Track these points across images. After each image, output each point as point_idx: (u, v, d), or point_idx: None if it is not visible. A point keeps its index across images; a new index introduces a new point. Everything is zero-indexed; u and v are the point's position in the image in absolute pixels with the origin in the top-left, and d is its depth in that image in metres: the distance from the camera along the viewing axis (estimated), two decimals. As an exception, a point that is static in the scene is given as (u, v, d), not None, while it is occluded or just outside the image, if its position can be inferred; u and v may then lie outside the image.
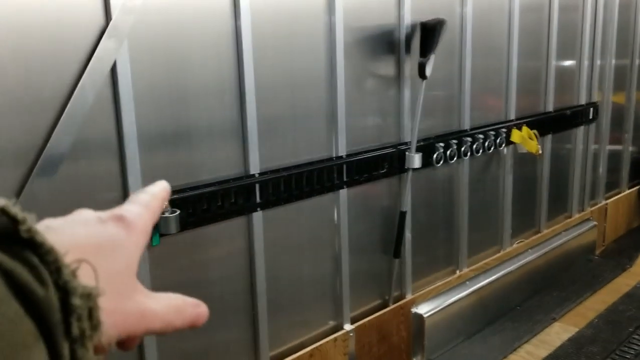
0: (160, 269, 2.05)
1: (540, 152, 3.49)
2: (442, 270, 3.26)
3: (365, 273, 2.83)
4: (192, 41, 2.02)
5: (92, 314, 0.33)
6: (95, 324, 0.34)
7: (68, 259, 0.34)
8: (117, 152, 1.84)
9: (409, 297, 3.02)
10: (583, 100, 4.04)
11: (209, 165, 2.13)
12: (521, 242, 3.73)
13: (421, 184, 3.00)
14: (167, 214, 1.93)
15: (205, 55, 2.06)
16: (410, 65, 2.76)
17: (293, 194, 2.40)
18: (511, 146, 3.47)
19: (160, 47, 1.94)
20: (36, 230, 0.33)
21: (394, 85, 2.78)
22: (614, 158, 4.62)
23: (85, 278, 0.35)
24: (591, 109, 4.10)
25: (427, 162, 2.91)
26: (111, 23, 1.74)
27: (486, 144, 3.24)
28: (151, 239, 1.99)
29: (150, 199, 0.46)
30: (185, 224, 2.04)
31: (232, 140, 2.20)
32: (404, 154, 2.81)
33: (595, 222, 4.30)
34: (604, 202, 4.49)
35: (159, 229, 1.94)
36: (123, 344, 0.40)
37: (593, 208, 4.37)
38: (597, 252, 4.37)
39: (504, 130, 3.35)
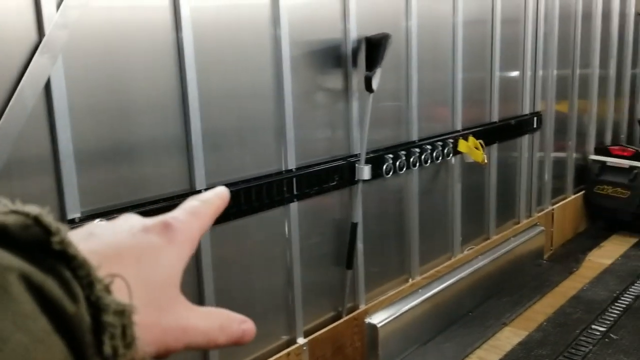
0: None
1: (485, 161, 3.57)
2: (395, 279, 3.28)
3: (318, 285, 2.83)
4: (131, 54, 1.99)
5: (125, 331, 0.31)
6: (129, 342, 0.32)
7: (102, 272, 0.32)
8: (53, 170, 1.79)
9: (362, 307, 3.03)
10: (527, 110, 4.17)
11: (153, 181, 2.09)
12: (471, 248, 3.80)
13: (372, 195, 3.03)
14: (108, 233, 1.87)
15: (145, 69, 2.03)
16: (357, 78, 2.79)
17: (242, 209, 2.38)
18: (459, 156, 3.54)
19: (98, 61, 1.90)
20: (69, 242, 0.31)
21: (342, 98, 2.80)
22: (559, 165, 4.78)
23: (120, 293, 0.33)
24: (535, 118, 4.24)
25: (377, 174, 2.94)
26: (44, 38, 1.69)
27: (434, 154, 3.30)
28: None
29: (200, 206, 0.44)
30: (129, 243, 1.99)
31: (177, 155, 2.16)
32: (354, 166, 2.83)
33: (542, 228, 4.43)
34: (550, 208, 4.63)
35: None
36: (160, 355, 0.38)
37: (540, 214, 4.50)
38: (546, 256, 4.50)
39: (451, 140, 3.42)
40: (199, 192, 2.21)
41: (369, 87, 2.73)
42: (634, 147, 4.85)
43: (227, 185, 2.28)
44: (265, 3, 2.40)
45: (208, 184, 2.25)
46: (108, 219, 1.66)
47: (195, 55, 2.14)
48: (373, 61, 2.71)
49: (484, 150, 3.56)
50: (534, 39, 4.13)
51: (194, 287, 2.28)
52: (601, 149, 5.06)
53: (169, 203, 2.12)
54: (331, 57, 2.72)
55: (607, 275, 4.13)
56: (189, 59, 2.12)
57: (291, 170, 2.58)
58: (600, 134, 5.28)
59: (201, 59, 2.17)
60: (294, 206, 2.61)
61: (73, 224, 1.87)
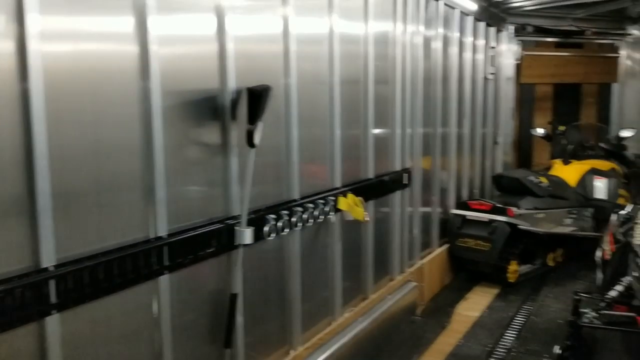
0: None
1: (367, 219, 3.48)
2: (276, 351, 2.97)
3: (192, 370, 2.43)
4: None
5: None
6: None
7: None
8: None
9: (242, 390, 2.67)
10: (398, 167, 4.20)
11: (-18, 260, 1.61)
12: (351, 310, 3.64)
13: (251, 260, 2.72)
14: None
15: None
16: (237, 132, 2.54)
17: (101, 287, 1.95)
18: (339, 214, 3.40)
19: None
20: None
21: (220, 153, 2.52)
22: (425, 219, 4.87)
23: None
24: (406, 175, 4.28)
25: (257, 236, 2.67)
26: None
27: (315, 212, 3.12)
28: None
29: None
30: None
31: (17, 226, 1.71)
32: (233, 229, 2.53)
33: (415, 283, 4.43)
34: (420, 263, 4.67)
35: None
36: None
37: (412, 269, 4.51)
38: (418, 312, 4.49)
39: (332, 198, 3.28)
40: (45, 270, 1.77)
41: (250, 141, 2.49)
42: (491, 202, 5.13)
43: (83, 259, 1.86)
44: (133, 50, 2.08)
45: (59, 259, 1.81)
46: None
47: (47, 108, 1.75)
48: (255, 114, 2.48)
49: (364, 207, 3.46)
50: (402, 99, 4.22)
51: (37, 394, 1.78)
52: (461, 204, 5.30)
53: (4, 286, 1.65)
54: (208, 108, 2.44)
55: (477, 328, 4.20)
56: (38, 112, 1.72)
57: (161, 237, 2.21)
58: (457, 189, 5.53)
59: (54, 112, 1.78)
60: (164, 279, 2.23)
61: None
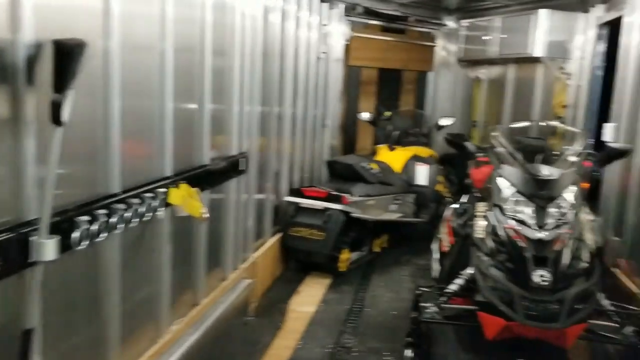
0: None
1: (206, 215, 2.91)
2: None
3: None
4: None
5: None
6: None
7: None
8: None
9: None
10: (235, 150, 3.68)
11: None
12: (181, 321, 3.06)
13: (54, 279, 2.00)
14: None
15: None
16: (35, 103, 1.79)
17: None
18: (169, 209, 2.78)
19: None
20: None
21: (9, 133, 1.76)
22: (259, 207, 4.44)
23: None
24: (243, 159, 3.78)
25: (64, 245, 1.96)
26: None
27: (141, 209, 2.47)
28: None
29: None
30: None
31: None
32: (28, 240, 1.80)
33: (249, 280, 3.99)
34: (253, 257, 4.23)
35: None
36: None
37: (245, 264, 4.04)
38: (251, 311, 4.06)
39: (162, 190, 2.64)
40: None
41: (57, 117, 1.77)
42: (326, 189, 4.87)
43: None
44: None
45: None
46: None
47: None
48: (65, 78, 1.76)
49: (201, 201, 2.89)
50: (241, 72, 3.69)
51: None
52: (295, 190, 4.97)
53: None
54: (-11, 66, 1.67)
55: (314, 326, 3.91)
56: None
57: None
58: (289, 173, 5.19)
59: None
60: None
61: None
